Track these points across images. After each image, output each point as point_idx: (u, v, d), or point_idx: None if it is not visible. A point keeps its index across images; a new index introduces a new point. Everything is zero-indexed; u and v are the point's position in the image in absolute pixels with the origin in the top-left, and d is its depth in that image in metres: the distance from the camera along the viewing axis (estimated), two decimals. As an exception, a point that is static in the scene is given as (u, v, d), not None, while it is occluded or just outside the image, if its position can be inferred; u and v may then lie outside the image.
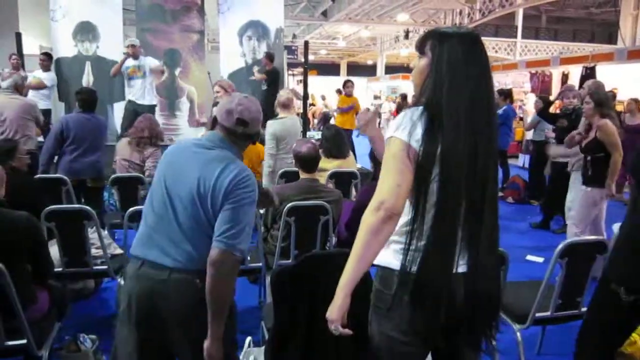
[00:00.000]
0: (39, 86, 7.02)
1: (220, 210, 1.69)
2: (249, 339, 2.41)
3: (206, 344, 1.70)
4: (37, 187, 3.17)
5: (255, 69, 7.70)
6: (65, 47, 8.17)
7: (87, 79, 8.19)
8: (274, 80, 7.52)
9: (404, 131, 1.36)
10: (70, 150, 4.29)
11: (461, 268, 1.41)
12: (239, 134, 1.83)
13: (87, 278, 3.43)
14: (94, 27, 8.18)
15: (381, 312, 1.50)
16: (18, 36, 7.77)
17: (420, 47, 1.46)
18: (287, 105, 4.67)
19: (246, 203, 1.72)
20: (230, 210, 1.69)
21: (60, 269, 2.83)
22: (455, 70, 1.37)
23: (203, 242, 1.71)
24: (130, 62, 6.89)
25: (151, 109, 6.87)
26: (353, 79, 10.51)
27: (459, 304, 1.41)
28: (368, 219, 1.34)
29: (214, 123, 1.89)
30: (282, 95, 4.74)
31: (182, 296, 1.70)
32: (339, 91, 12.01)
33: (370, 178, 3.45)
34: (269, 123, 4.60)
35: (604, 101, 3.90)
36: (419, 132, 1.35)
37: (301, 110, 9.49)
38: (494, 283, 1.47)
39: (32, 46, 8.29)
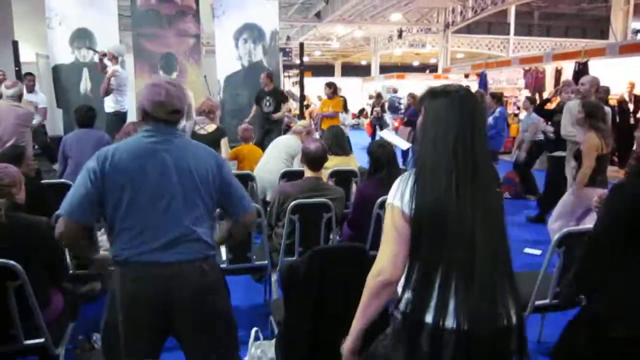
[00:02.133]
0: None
1: (217, 190, 1.90)
2: (254, 330, 2.48)
3: None
4: (45, 192, 3.23)
5: (274, 115, 7.45)
6: (63, 54, 8.23)
7: (85, 85, 8.24)
8: (278, 101, 7.49)
9: (396, 197, 1.46)
10: (71, 165, 4.45)
11: (466, 325, 1.39)
12: (174, 120, 1.89)
13: (95, 280, 3.48)
14: (91, 33, 8.25)
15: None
16: (15, 44, 7.82)
17: (420, 107, 1.55)
18: (309, 132, 4.81)
19: (232, 175, 1.99)
20: (231, 186, 1.94)
21: (70, 271, 2.89)
22: (438, 121, 1.45)
23: (202, 227, 1.85)
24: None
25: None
26: (348, 79, 10.64)
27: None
28: (369, 282, 1.48)
29: (144, 115, 1.86)
30: (304, 125, 4.85)
31: (194, 284, 1.82)
32: (320, 97, 12.02)
33: (367, 175, 3.53)
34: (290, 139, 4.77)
35: (594, 113, 3.99)
36: (407, 194, 1.44)
37: (298, 112, 9.57)
38: (501, 339, 1.43)
39: (28, 54, 8.33)
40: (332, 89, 8.61)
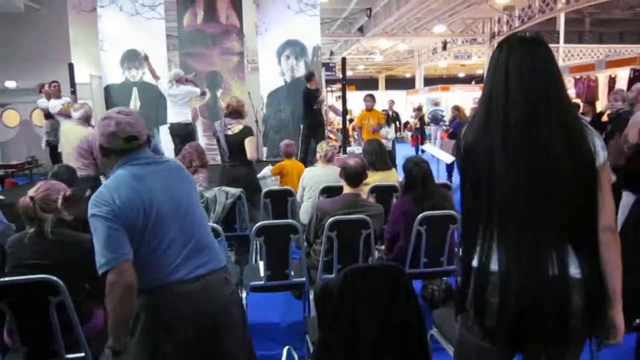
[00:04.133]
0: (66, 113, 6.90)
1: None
2: (286, 348, 2.44)
3: None
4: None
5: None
6: (113, 74, 8.60)
7: (134, 104, 8.57)
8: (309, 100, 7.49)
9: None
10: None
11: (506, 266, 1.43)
12: (135, 147, 1.86)
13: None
14: (140, 54, 8.56)
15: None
16: (71, 66, 8.22)
17: None
18: (329, 159, 4.58)
19: None
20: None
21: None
22: (487, 75, 1.48)
23: (213, 239, 1.98)
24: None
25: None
26: (392, 92, 10.57)
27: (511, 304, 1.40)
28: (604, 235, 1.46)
29: (104, 152, 1.88)
30: (325, 148, 4.60)
31: (221, 292, 1.89)
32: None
33: (401, 192, 3.46)
34: (306, 170, 4.62)
35: None
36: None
37: (340, 126, 9.56)
38: (543, 291, 1.38)
39: (83, 75, 8.75)
40: (372, 102, 8.60)
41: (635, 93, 4.65)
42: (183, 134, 6.36)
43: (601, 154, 1.40)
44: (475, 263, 1.45)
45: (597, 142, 1.41)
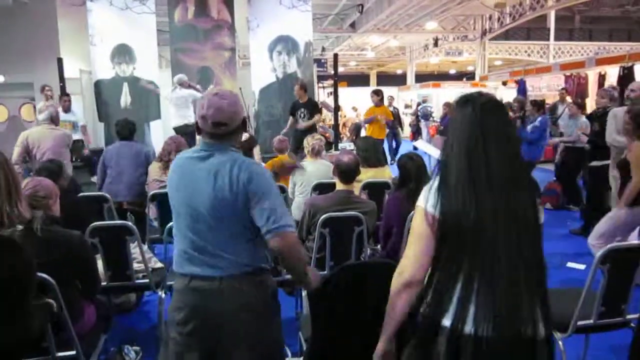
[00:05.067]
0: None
1: (249, 208, 1.77)
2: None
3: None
4: (81, 205, 3.31)
5: (301, 124, 7.27)
6: (104, 69, 8.51)
7: (125, 99, 8.49)
8: (312, 112, 7.41)
9: (423, 199, 1.48)
10: (109, 174, 4.66)
11: (486, 331, 1.38)
12: (223, 134, 1.81)
13: (129, 292, 3.53)
14: (130, 49, 8.51)
15: None
16: (60, 61, 8.14)
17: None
18: (317, 152, 4.55)
19: (267, 189, 1.79)
20: (259, 203, 1.76)
21: (104, 283, 2.93)
22: (456, 130, 1.47)
23: (241, 246, 1.81)
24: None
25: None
26: (383, 88, 10.53)
27: None
28: (392, 282, 1.51)
29: (198, 129, 1.86)
30: (311, 142, 4.55)
31: (235, 299, 1.80)
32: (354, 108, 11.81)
33: (395, 187, 3.47)
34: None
35: None
36: (433, 196, 1.45)
37: (332, 122, 9.56)
38: (521, 347, 1.40)
39: (72, 70, 8.66)
40: (380, 97, 8.62)
41: (637, 92, 4.65)
42: (188, 134, 6.52)
43: (542, 212, 1.51)
44: (447, 323, 1.41)
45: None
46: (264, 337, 1.86)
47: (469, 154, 1.42)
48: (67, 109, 7.15)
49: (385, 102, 10.55)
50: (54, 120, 5.16)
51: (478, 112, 1.44)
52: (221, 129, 1.79)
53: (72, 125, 7.06)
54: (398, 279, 1.49)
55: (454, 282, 1.41)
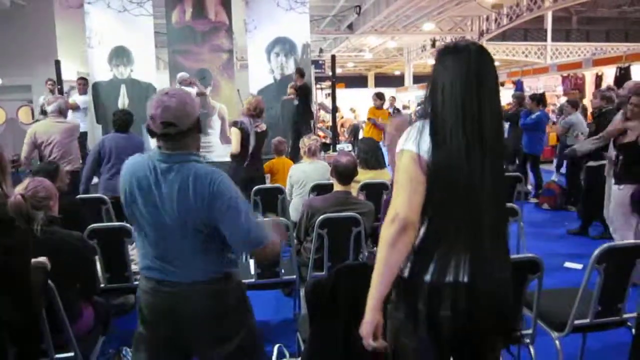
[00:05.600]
0: (72, 107, 7.21)
1: (215, 219, 1.72)
2: (277, 346, 2.45)
3: None
4: (79, 207, 3.31)
5: (289, 89, 7.61)
6: (101, 72, 8.51)
7: (123, 101, 8.49)
8: (305, 95, 7.56)
9: (413, 143, 1.42)
10: (107, 169, 4.52)
11: (465, 278, 1.41)
12: (176, 134, 1.72)
13: (128, 293, 3.53)
14: (128, 51, 8.50)
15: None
16: (57, 63, 8.14)
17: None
18: (314, 153, 4.57)
19: (232, 202, 1.72)
20: (226, 216, 1.71)
21: (103, 285, 2.94)
22: (446, 76, 1.41)
23: (209, 256, 1.79)
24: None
25: None
26: (381, 89, 10.54)
27: (462, 314, 1.41)
28: (384, 232, 1.38)
29: (150, 132, 1.77)
30: (307, 142, 4.58)
31: (204, 303, 1.78)
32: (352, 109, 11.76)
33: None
34: (292, 168, 4.63)
35: None
36: (426, 142, 1.40)
37: (330, 123, 9.57)
38: (500, 293, 1.44)
39: (70, 72, 8.65)
40: (382, 100, 8.66)
41: (626, 91, 4.69)
42: None
43: None
44: (428, 278, 1.40)
45: None
46: (236, 338, 1.83)
47: (464, 104, 1.36)
48: (84, 92, 7.42)
49: (387, 103, 10.63)
50: (62, 112, 5.07)
51: (475, 59, 1.38)
52: (170, 129, 1.70)
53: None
54: (392, 225, 1.36)
55: (438, 236, 1.40)
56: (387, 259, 1.37)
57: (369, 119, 8.80)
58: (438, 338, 1.42)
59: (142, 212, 1.77)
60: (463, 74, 1.38)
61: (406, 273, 1.44)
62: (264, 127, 4.85)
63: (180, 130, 1.71)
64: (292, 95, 7.58)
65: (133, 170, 1.80)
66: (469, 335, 1.44)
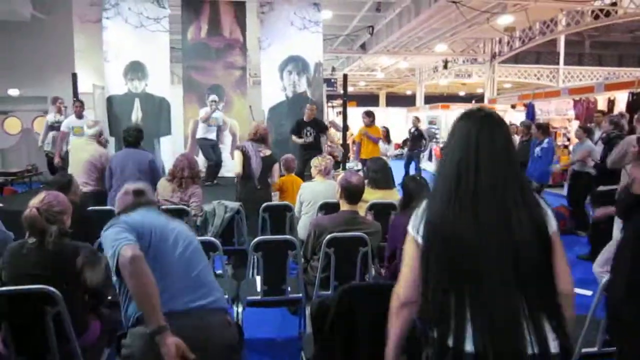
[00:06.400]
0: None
1: None
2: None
3: None
4: (90, 219, 3.34)
5: (299, 140, 7.41)
6: (116, 85, 8.66)
7: (136, 115, 8.61)
8: (318, 130, 7.50)
9: (413, 227, 1.51)
10: (115, 183, 4.63)
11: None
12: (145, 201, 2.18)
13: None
14: (143, 66, 8.66)
15: None
16: (74, 76, 8.29)
17: None
18: (327, 172, 4.64)
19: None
20: None
21: (110, 297, 2.95)
22: (450, 142, 1.49)
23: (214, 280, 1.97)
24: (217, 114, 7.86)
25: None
26: (392, 109, 10.61)
27: None
28: (391, 302, 1.57)
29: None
30: (322, 162, 4.64)
31: (222, 332, 1.87)
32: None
33: (399, 208, 3.48)
34: (303, 186, 4.67)
35: None
36: (419, 219, 1.49)
37: (341, 141, 9.62)
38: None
39: (86, 85, 8.81)
40: (371, 118, 8.67)
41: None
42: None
43: (553, 222, 1.46)
44: (451, 343, 1.39)
45: (549, 211, 1.47)
46: None
47: (459, 163, 1.43)
48: (79, 115, 7.31)
49: (410, 123, 10.61)
50: (100, 137, 5.30)
51: (475, 123, 1.45)
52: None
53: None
54: (394, 300, 1.55)
55: (447, 302, 1.40)
56: (392, 325, 1.58)
57: (364, 134, 8.78)
58: None
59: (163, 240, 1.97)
60: (464, 135, 1.46)
61: (429, 333, 1.47)
62: (267, 152, 4.85)
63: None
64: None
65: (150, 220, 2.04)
66: None
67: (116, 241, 1.79)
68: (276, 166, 4.91)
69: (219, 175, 7.82)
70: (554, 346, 1.37)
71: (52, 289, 2.08)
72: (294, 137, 7.39)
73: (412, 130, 12.23)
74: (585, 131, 6.84)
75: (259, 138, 4.83)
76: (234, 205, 4.18)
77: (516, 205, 1.40)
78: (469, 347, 1.35)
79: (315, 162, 4.64)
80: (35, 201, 2.29)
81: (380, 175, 4.43)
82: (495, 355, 1.33)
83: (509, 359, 1.34)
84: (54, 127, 7.84)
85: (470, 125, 1.46)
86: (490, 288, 1.35)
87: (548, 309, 1.39)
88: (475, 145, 1.42)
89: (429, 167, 9.21)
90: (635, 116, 4.89)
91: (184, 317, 1.82)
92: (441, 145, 12.42)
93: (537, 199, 1.47)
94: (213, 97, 7.86)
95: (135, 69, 8.62)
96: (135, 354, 1.80)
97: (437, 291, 1.42)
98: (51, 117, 8.07)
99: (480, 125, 1.45)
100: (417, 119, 13.11)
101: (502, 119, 1.53)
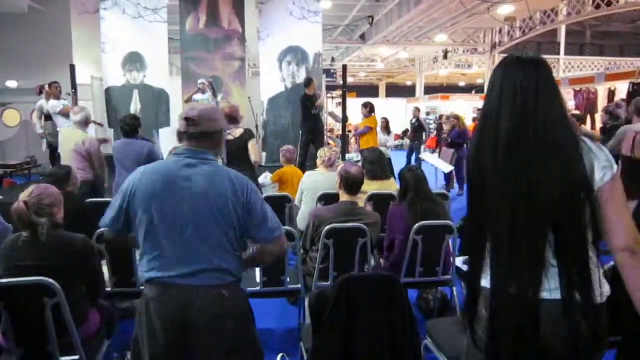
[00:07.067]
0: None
1: (242, 218, 1.85)
2: (280, 355, 2.44)
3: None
4: (89, 211, 3.34)
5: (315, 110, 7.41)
6: (115, 77, 8.62)
7: (135, 107, 8.58)
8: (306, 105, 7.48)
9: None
10: (115, 172, 4.67)
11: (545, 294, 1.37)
12: (195, 134, 1.88)
13: (134, 298, 3.54)
14: (141, 57, 8.62)
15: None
16: (72, 68, 8.25)
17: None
18: (332, 164, 4.59)
19: (257, 199, 1.90)
20: (251, 213, 1.86)
21: (109, 289, 2.96)
22: (494, 86, 1.49)
23: (222, 256, 1.83)
24: (199, 96, 7.55)
25: None
26: (392, 100, 10.58)
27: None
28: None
29: (178, 134, 1.97)
30: (328, 153, 4.62)
31: (212, 309, 1.80)
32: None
33: (398, 200, 3.48)
34: (306, 174, 4.61)
35: None
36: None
37: (340, 132, 9.60)
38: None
39: (84, 76, 8.78)
40: (369, 109, 8.69)
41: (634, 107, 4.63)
42: None
43: (603, 173, 1.37)
44: (485, 284, 1.45)
45: (598, 163, 1.38)
46: (247, 343, 1.90)
47: (484, 114, 1.48)
48: (57, 97, 7.22)
49: (410, 115, 10.54)
50: (86, 124, 5.13)
51: (502, 71, 1.48)
52: (190, 125, 1.88)
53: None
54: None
55: (482, 240, 1.46)
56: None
57: (366, 127, 8.76)
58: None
59: (162, 205, 1.81)
60: (510, 79, 1.44)
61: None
62: (237, 133, 4.62)
63: (200, 131, 1.88)
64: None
65: (154, 169, 1.90)
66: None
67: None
68: (251, 143, 4.63)
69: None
70: (556, 294, 1.36)
71: (50, 280, 2.08)
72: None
73: (413, 121, 12.21)
74: (579, 120, 6.82)
75: (228, 119, 4.69)
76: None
77: (543, 159, 1.36)
78: (484, 282, 1.44)
79: (321, 153, 4.66)
80: (24, 195, 2.27)
81: (376, 166, 4.44)
82: (502, 295, 1.39)
83: (519, 301, 1.36)
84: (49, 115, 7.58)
85: (497, 72, 1.50)
86: (503, 237, 1.39)
87: (568, 260, 1.36)
88: (498, 94, 1.45)
89: (428, 158, 9.17)
90: (629, 108, 4.86)
91: (163, 288, 1.83)
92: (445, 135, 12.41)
93: (578, 149, 1.37)
94: (202, 80, 7.73)
95: (134, 60, 8.59)
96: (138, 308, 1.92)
97: (474, 230, 1.51)
98: (55, 103, 7.40)
99: (506, 70, 1.48)
100: (417, 110, 13.07)
101: (541, 59, 1.51)
